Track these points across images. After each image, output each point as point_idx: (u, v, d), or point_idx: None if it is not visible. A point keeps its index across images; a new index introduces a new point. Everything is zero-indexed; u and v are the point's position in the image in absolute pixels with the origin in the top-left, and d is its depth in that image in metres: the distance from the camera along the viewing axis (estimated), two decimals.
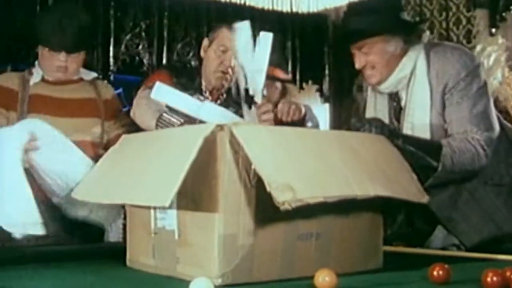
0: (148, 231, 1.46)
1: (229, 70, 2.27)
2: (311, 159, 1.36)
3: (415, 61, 1.97)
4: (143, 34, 4.56)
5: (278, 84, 2.60)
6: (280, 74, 2.61)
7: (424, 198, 1.55)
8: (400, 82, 2.00)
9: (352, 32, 2.00)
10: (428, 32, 2.10)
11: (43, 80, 2.30)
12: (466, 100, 1.91)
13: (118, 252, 1.57)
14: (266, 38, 1.94)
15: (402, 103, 2.02)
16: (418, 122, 1.95)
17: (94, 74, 2.44)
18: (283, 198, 1.20)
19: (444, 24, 4.65)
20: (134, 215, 1.54)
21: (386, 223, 1.70)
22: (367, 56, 1.97)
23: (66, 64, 2.25)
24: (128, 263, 1.54)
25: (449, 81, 1.92)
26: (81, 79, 2.37)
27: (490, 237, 1.96)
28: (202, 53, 2.38)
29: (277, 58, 2.63)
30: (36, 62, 2.33)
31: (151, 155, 1.42)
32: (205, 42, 2.38)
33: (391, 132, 1.80)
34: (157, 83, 1.90)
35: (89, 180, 1.60)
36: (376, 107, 2.09)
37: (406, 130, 1.97)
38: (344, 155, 1.43)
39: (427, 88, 1.95)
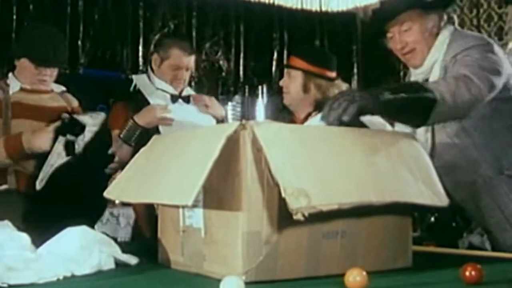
0: (177, 229, 1.47)
1: (183, 82, 2.74)
2: (331, 161, 1.36)
3: (443, 44, 1.98)
4: (171, 33, 4.60)
5: (297, 74, 2.52)
6: (297, 63, 2.54)
7: (444, 202, 1.51)
8: (432, 67, 2.00)
9: (391, 8, 2.01)
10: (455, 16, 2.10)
11: (21, 89, 2.48)
12: (465, 63, 1.86)
13: (150, 250, 1.59)
14: None
15: None
16: None
17: (63, 88, 2.64)
18: (298, 205, 1.21)
19: (475, 21, 4.59)
20: (164, 213, 1.55)
21: (416, 222, 1.68)
22: (408, 36, 1.99)
23: (47, 78, 2.49)
24: (159, 260, 1.55)
25: (457, 51, 1.92)
26: (52, 90, 2.59)
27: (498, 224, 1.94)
28: (154, 67, 2.75)
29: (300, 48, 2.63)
30: (11, 74, 2.51)
31: (176, 154, 1.43)
32: (156, 57, 2.75)
33: (373, 94, 1.58)
34: None
35: (120, 180, 1.62)
36: None
37: None
38: (366, 156, 1.43)
39: (440, 67, 1.95)
